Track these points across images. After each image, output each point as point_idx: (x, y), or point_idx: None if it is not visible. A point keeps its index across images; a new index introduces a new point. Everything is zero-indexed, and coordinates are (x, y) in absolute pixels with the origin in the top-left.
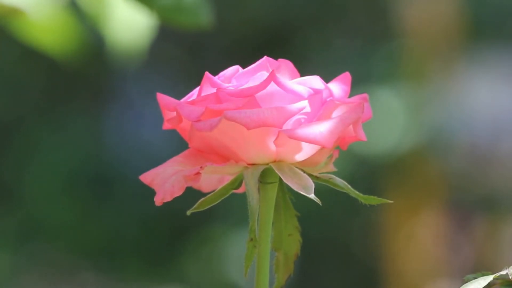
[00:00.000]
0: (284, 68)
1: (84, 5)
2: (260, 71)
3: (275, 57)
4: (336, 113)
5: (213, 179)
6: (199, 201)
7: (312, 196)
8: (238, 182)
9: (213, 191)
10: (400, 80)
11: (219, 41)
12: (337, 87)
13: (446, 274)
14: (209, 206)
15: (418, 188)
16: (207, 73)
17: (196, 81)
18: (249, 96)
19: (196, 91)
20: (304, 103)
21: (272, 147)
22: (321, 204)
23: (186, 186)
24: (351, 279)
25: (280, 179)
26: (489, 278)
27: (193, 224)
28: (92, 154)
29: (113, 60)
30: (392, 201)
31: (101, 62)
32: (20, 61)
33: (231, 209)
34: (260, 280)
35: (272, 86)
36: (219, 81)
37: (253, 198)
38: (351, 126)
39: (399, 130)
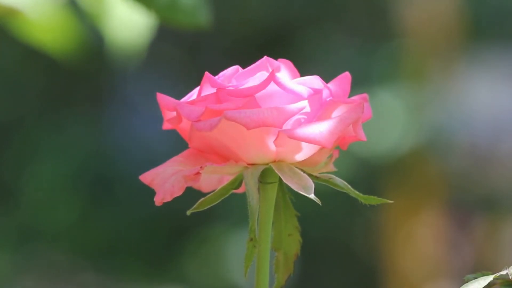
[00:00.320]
0: (284, 68)
1: (83, 4)
2: (260, 71)
3: (275, 57)
4: (336, 113)
5: (213, 179)
6: (199, 201)
7: (312, 196)
8: (238, 182)
9: (213, 191)
10: (400, 80)
11: (219, 41)
12: (337, 87)
13: (446, 274)
14: (209, 206)
15: (418, 188)
16: (207, 73)
17: (196, 81)
18: (249, 96)
19: (196, 91)
20: (304, 103)
21: (272, 147)
22: (321, 204)
23: (186, 186)
24: (351, 279)
25: (280, 179)
26: (489, 278)
27: (193, 224)
28: (92, 154)
29: (112, 59)
30: (392, 201)
31: (101, 61)
32: (20, 61)
33: (231, 209)
34: (260, 280)
35: (272, 86)
36: (219, 81)
37: (253, 198)
38: (351, 126)
39: (399, 130)
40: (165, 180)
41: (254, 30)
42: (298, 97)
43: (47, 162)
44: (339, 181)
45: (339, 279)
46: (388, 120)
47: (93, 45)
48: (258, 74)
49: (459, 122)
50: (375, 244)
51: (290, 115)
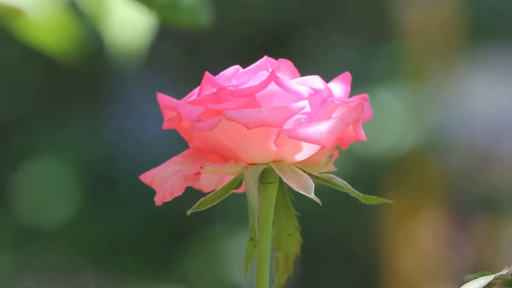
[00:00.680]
0: (284, 68)
1: (83, 5)
2: (260, 71)
3: (275, 57)
4: (336, 113)
5: (213, 179)
6: (199, 201)
7: (312, 196)
8: (238, 182)
9: (213, 191)
10: (400, 80)
11: (219, 41)
12: (337, 87)
13: (446, 274)
14: (209, 206)
15: (418, 188)
16: (207, 73)
17: (196, 81)
18: (249, 96)
19: (196, 91)
20: (304, 103)
21: (272, 147)
22: (321, 204)
23: (186, 186)
24: (351, 279)
25: (280, 179)
26: (489, 278)
27: (193, 224)
28: (92, 154)
29: (113, 60)
30: (392, 201)
31: (101, 62)
32: (20, 61)
33: (231, 209)
34: (260, 280)
35: (272, 86)
36: (219, 81)
37: (253, 198)
38: (351, 126)
39: (399, 130)
40: (165, 180)
41: (254, 30)
42: (298, 97)
43: (47, 162)
44: (339, 181)
45: (339, 279)
46: (388, 120)
47: (93, 45)
48: (258, 74)
49: (459, 122)
50: (375, 244)
51: (290, 115)
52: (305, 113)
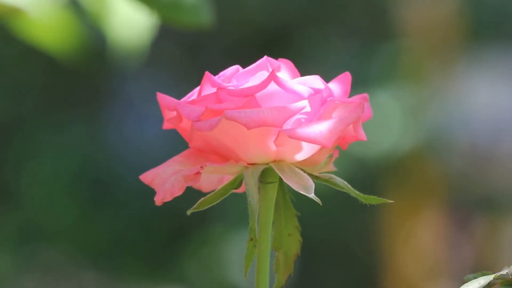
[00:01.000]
0: (285, 68)
1: (84, 4)
2: (260, 70)
3: (275, 57)
4: (336, 113)
5: (213, 179)
6: (199, 201)
7: (312, 195)
8: (238, 182)
9: (213, 191)
10: (400, 80)
11: (219, 41)
12: (337, 87)
13: (446, 274)
14: (209, 206)
15: (418, 188)
16: (207, 73)
17: (196, 81)
18: (249, 96)
19: (196, 90)
20: (304, 103)
21: (272, 146)
22: (321, 204)
23: (186, 186)
24: (351, 279)
25: (280, 179)
26: (489, 278)
27: (193, 224)
28: (92, 154)
29: (113, 59)
30: (392, 201)
31: (102, 61)
32: (20, 61)
33: (231, 209)
34: (260, 280)
35: (272, 86)
36: (219, 81)
37: (253, 198)
38: (351, 126)
39: (399, 130)
40: (165, 180)
41: (255, 30)
42: (298, 96)
43: (47, 162)
44: (339, 181)
45: (339, 279)
46: (388, 120)
47: (94, 45)
48: (258, 74)
49: (459, 122)
50: (375, 244)
51: (290, 114)
52: (305, 113)
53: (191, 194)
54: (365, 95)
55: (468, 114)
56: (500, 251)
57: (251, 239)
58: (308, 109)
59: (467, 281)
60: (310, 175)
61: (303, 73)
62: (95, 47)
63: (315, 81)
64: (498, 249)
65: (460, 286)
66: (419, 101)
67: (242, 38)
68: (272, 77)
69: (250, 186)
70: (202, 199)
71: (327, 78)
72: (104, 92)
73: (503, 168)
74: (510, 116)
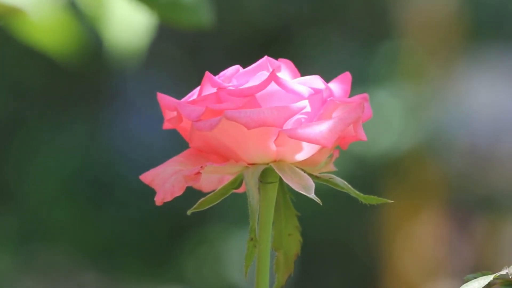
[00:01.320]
0: (285, 68)
1: (83, 5)
2: (260, 70)
3: (275, 57)
4: (337, 113)
5: (213, 179)
6: (199, 201)
7: (312, 196)
8: (238, 182)
9: (213, 191)
10: (400, 80)
11: (219, 41)
12: (338, 87)
13: (446, 274)
14: (209, 206)
15: (418, 188)
16: (207, 73)
17: (196, 81)
18: (249, 96)
19: (196, 90)
20: (305, 103)
21: (273, 146)
22: (321, 204)
23: (186, 186)
24: (351, 279)
25: (280, 179)
26: (489, 278)
27: (192, 224)
28: (92, 154)
29: (112, 60)
30: (392, 201)
31: (101, 62)
32: (20, 61)
33: (231, 209)
34: (260, 280)
35: (273, 86)
36: (219, 81)
37: (253, 198)
38: (351, 126)
39: (399, 130)
40: (165, 180)
41: (255, 30)
42: (298, 96)
43: (47, 162)
44: (339, 180)
45: (339, 279)
46: (388, 120)
47: (93, 45)
48: (259, 74)
49: (459, 122)
50: (375, 244)
51: (290, 114)
52: (305, 113)
53: (191, 194)
54: (365, 95)
55: (468, 114)
56: (500, 251)
57: (251, 239)
58: (308, 109)
59: (467, 281)
60: (310, 175)
61: (303, 73)
62: (94, 48)
63: (315, 81)
64: (498, 249)
65: (460, 286)
66: (419, 101)
67: (242, 38)
68: (273, 77)
69: (250, 186)
70: (202, 199)
71: (327, 78)
72: (104, 92)
73: (503, 168)
74: (510, 116)
